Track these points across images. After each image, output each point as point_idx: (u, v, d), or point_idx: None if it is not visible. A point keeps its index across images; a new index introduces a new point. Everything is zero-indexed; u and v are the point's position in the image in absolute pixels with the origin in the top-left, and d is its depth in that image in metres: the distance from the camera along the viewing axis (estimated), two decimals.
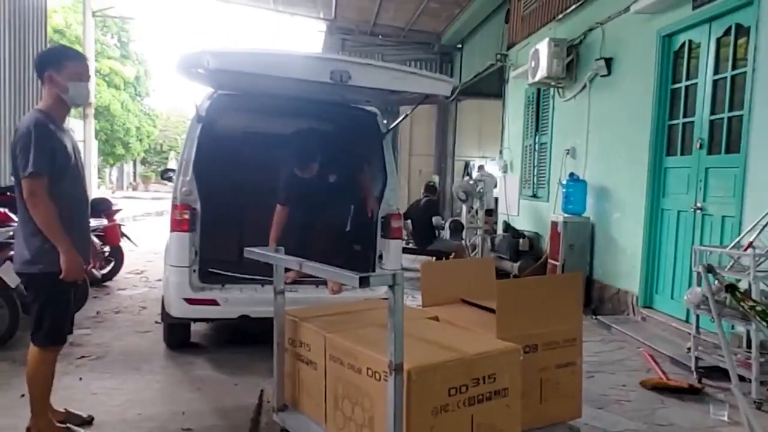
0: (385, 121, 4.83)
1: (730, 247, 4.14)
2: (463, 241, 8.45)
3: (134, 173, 42.28)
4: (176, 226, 4.20)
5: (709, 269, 3.69)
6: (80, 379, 3.97)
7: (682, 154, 5.43)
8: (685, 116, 5.41)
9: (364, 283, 2.16)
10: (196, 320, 4.62)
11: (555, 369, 2.77)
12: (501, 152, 10.23)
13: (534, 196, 8.74)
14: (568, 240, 6.74)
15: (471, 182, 9.40)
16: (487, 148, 14.33)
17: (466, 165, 14.72)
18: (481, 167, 10.52)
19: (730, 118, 4.83)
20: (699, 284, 4.30)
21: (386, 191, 4.72)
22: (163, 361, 4.43)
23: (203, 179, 4.30)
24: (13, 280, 4.29)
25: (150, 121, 29.08)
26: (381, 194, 4.70)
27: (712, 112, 5.02)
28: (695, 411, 3.72)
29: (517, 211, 9.34)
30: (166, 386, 3.92)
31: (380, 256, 4.69)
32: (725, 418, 3.58)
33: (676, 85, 5.55)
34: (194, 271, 4.25)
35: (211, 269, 4.38)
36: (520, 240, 8.32)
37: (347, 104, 4.75)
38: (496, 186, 9.83)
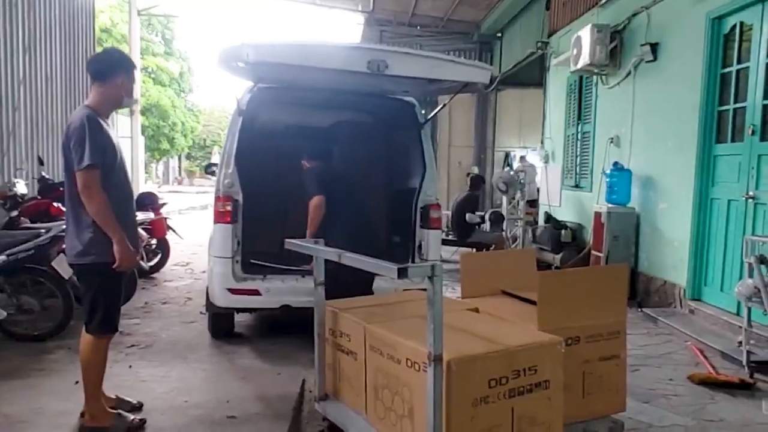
0: (423, 112, 4.81)
1: None
2: (503, 233, 8.35)
3: (179, 168, 43.34)
4: (219, 217, 4.29)
5: (762, 260, 3.56)
6: (130, 366, 4.11)
7: (732, 141, 5.24)
8: (736, 102, 5.20)
9: (402, 274, 2.16)
10: (239, 310, 4.72)
11: (598, 362, 2.72)
12: (542, 142, 10.06)
13: (576, 186, 8.57)
14: (613, 231, 6.59)
15: (512, 173, 9.28)
16: (528, 139, 14.11)
17: (507, 155, 14.53)
18: (522, 158, 10.36)
19: None
20: (750, 276, 4.16)
21: (425, 182, 4.70)
22: (208, 351, 4.54)
23: (245, 171, 4.38)
24: (66, 272, 4.47)
25: (194, 116, 29.74)
26: (420, 185, 4.69)
27: (766, 97, 4.81)
28: (746, 406, 3.60)
29: (559, 201, 9.18)
30: (211, 375, 4.02)
31: (419, 247, 4.69)
32: None
33: (726, 70, 5.34)
34: (237, 261, 4.33)
35: (253, 260, 4.45)
36: (562, 231, 8.18)
37: (385, 95, 4.75)
38: (537, 176, 9.70)
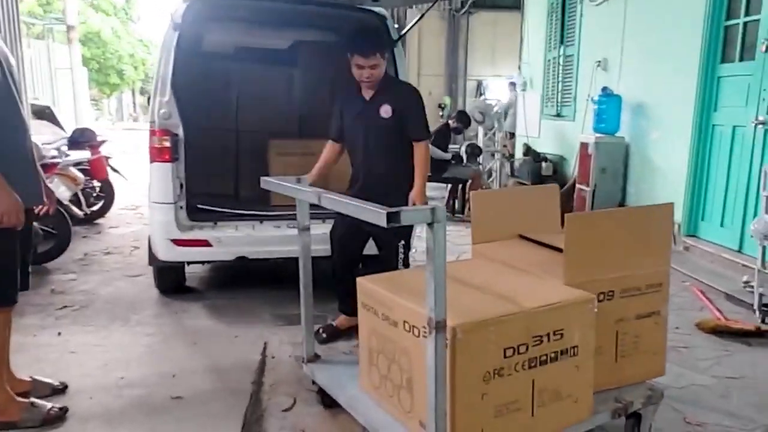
0: (396, 26, 4.09)
1: None
2: (480, 167, 7.79)
3: (133, 104, 41.16)
4: (156, 155, 3.59)
5: None
6: (59, 334, 3.48)
7: (741, 59, 4.69)
8: (747, 14, 4.62)
9: (393, 219, 1.59)
10: (188, 263, 4.10)
11: (635, 320, 2.24)
12: (519, 68, 9.38)
13: (558, 115, 8.00)
14: (601, 163, 6.10)
15: (488, 101, 8.63)
16: (502, 66, 13.39)
17: (479, 84, 13.84)
18: (512, 84, 9.60)
19: None
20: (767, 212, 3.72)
21: None
22: (154, 310, 3.94)
23: (185, 99, 3.65)
24: None
25: (144, 47, 27.78)
26: None
27: None
28: (766, 358, 3.20)
29: (538, 132, 8.62)
30: (156, 341, 3.43)
31: None
32: None
33: None
34: (181, 207, 3.67)
35: (200, 205, 3.80)
36: (543, 164, 7.68)
37: (352, 6, 4.00)
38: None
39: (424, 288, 1.73)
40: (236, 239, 3.69)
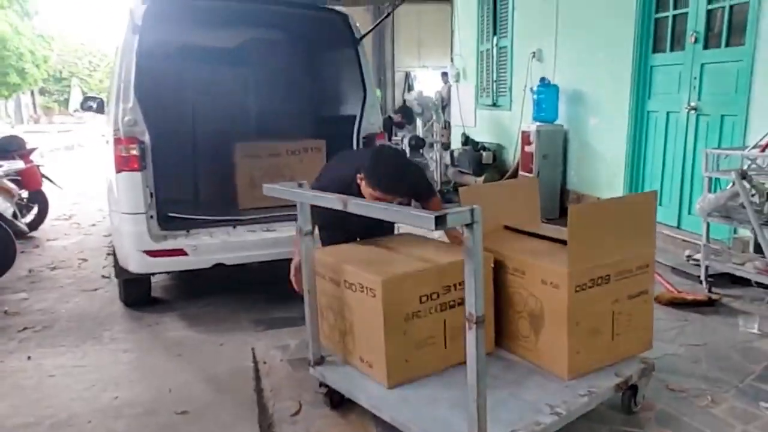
0: (358, 24, 4.11)
1: (749, 149, 3.84)
2: (423, 158, 7.94)
3: (34, 105, 38.40)
4: (123, 164, 3.43)
5: (743, 175, 3.39)
6: (29, 358, 3.29)
7: (672, 50, 5.06)
8: (675, 8, 4.98)
9: (440, 223, 1.66)
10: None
11: (627, 300, 2.44)
12: (452, 59, 9.60)
13: (494, 105, 8.28)
14: (542, 150, 6.39)
15: (425, 94, 8.79)
16: (428, 57, 13.64)
17: (407, 76, 14.03)
18: (444, 74, 9.79)
19: (732, 7, 4.43)
20: (710, 190, 4.06)
21: (365, 108, 4.08)
22: (125, 324, 3.78)
23: (148, 105, 3.51)
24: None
25: (45, 44, 25.88)
26: (361, 112, 4.07)
27: (710, 1, 4.60)
28: (723, 326, 3.52)
29: (474, 122, 8.88)
30: (137, 356, 3.31)
31: None
32: (756, 330, 3.40)
33: None
34: (152, 217, 3.54)
35: (171, 213, 3.68)
36: (483, 153, 7.93)
37: (314, 5, 3.98)
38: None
39: (360, 256, 2.38)
40: (212, 246, 3.61)
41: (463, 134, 8.62)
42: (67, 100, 33.69)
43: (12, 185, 5.24)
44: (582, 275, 2.29)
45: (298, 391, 2.86)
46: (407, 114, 7.73)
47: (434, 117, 8.49)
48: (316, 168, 4.13)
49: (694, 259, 4.44)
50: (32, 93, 35.45)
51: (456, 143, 9.14)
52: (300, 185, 2.50)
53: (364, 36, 4.09)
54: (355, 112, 4.12)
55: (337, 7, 4.03)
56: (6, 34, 21.13)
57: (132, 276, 3.74)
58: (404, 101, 9.14)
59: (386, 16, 4.58)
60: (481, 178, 7.70)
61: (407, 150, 7.74)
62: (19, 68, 22.58)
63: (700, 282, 4.13)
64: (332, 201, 2.09)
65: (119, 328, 3.71)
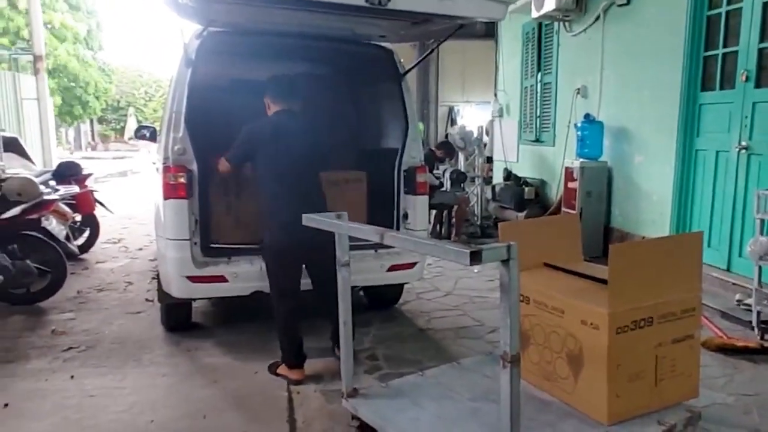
0: (402, 60, 4.19)
1: None
2: (465, 192, 7.92)
3: (92, 132, 40.24)
4: (171, 192, 3.55)
5: None
6: (72, 377, 3.38)
7: (722, 88, 4.95)
8: (725, 46, 4.89)
9: (475, 259, 1.65)
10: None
11: (671, 344, 2.35)
12: (495, 95, 9.63)
13: (537, 140, 8.23)
14: (586, 187, 6.29)
15: (467, 129, 8.81)
16: (471, 93, 13.71)
17: (450, 110, 14.11)
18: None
19: None
20: (762, 233, 3.91)
21: (407, 141, 4.12)
22: (164, 349, 3.86)
23: (198, 135, 3.64)
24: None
25: (106, 76, 27.26)
26: (402, 145, 4.11)
27: (762, 40, 4.51)
28: None
29: (517, 157, 8.84)
30: (175, 381, 3.36)
31: (405, 216, 4.14)
32: None
33: (714, 11, 5.00)
34: (195, 243, 3.63)
35: (213, 244, 3.76)
36: (525, 188, 7.86)
37: (359, 41, 4.08)
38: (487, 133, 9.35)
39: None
40: (252, 274, 3.67)
41: (505, 169, 8.57)
42: (123, 128, 35.21)
43: (67, 209, 5.48)
44: (623, 317, 2.23)
45: (330, 424, 2.84)
46: (448, 149, 7.76)
47: (476, 151, 8.49)
48: (356, 199, 4.20)
49: (745, 304, 4.26)
50: (91, 121, 37.16)
51: (498, 178, 9.10)
52: (338, 216, 2.53)
53: (408, 71, 4.16)
54: (396, 145, 4.16)
55: (383, 43, 4.11)
56: (76, 69, 22.32)
57: (174, 300, 3.82)
58: (446, 135, 9.16)
59: (430, 52, 4.65)
60: (523, 214, 7.62)
61: (448, 183, 7.74)
62: (83, 100, 23.78)
63: (752, 328, 3.95)
64: (369, 233, 2.10)
65: (159, 352, 3.79)
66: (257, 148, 3.37)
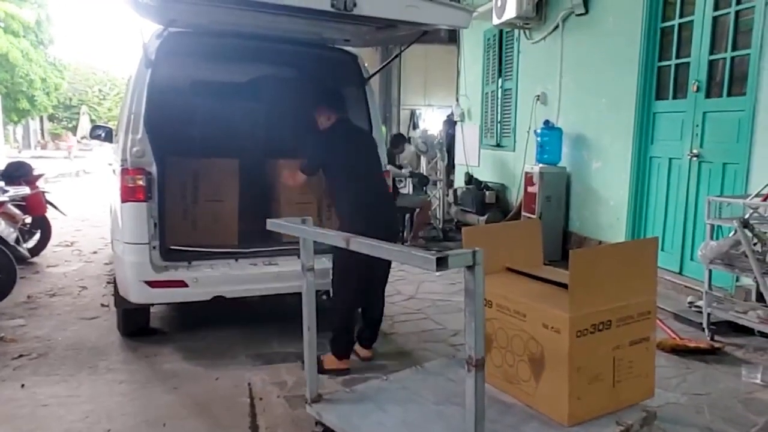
0: (366, 64, 4.19)
1: (751, 197, 3.86)
2: (427, 196, 7.98)
3: (42, 130, 38.88)
4: (129, 194, 3.46)
5: (745, 224, 3.39)
6: (22, 386, 3.25)
7: (674, 97, 5.13)
8: (678, 57, 5.07)
9: (441, 264, 1.67)
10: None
11: (629, 347, 2.41)
12: (457, 100, 9.74)
13: (498, 145, 8.36)
14: (545, 191, 6.42)
15: (429, 132, 8.89)
16: (434, 97, 13.84)
17: (412, 114, 14.21)
18: (449, 116, 9.98)
19: (733, 58, 4.52)
20: (712, 238, 4.06)
21: None
22: (122, 355, 3.75)
23: (157, 137, 3.56)
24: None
25: (57, 72, 26.36)
26: None
27: (712, 52, 4.69)
28: (726, 375, 3.48)
29: (478, 161, 8.94)
30: (133, 388, 3.27)
31: None
32: (759, 381, 3.36)
33: (667, 24, 5.19)
34: (154, 247, 3.55)
35: (173, 246, 3.68)
36: (486, 192, 7.97)
37: (324, 44, 4.06)
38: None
39: None
40: (213, 278, 3.61)
41: (467, 173, 8.67)
42: (75, 127, 34.14)
43: (17, 211, 5.28)
44: (583, 320, 2.28)
45: (294, 430, 2.82)
46: (395, 142, 7.96)
47: (438, 155, 8.57)
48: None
49: (696, 306, 4.42)
50: (41, 119, 35.92)
51: (459, 182, 9.20)
52: (303, 221, 2.51)
53: (372, 75, 4.17)
54: None
55: (347, 47, 4.11)
56: (17, 60, 21.50)
57: (131, 306, 3.72)
58: (409, 139, 9.23)
59: (394, 57, 4.69)
60: (484, 218, 7.72)
61: (410, 187, 7.79)
62: (29, 95, 22.93)
63: (703, 329, 4.10)
64: (335, 239, 2.09)
65: (116, 359, 3.68)
66: (333, 156, 3.51)
